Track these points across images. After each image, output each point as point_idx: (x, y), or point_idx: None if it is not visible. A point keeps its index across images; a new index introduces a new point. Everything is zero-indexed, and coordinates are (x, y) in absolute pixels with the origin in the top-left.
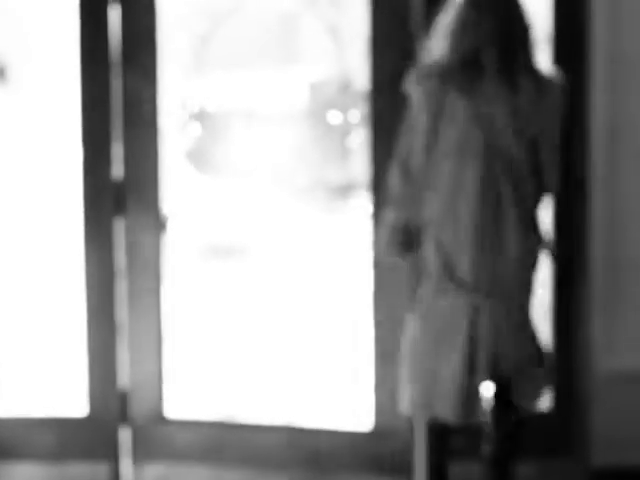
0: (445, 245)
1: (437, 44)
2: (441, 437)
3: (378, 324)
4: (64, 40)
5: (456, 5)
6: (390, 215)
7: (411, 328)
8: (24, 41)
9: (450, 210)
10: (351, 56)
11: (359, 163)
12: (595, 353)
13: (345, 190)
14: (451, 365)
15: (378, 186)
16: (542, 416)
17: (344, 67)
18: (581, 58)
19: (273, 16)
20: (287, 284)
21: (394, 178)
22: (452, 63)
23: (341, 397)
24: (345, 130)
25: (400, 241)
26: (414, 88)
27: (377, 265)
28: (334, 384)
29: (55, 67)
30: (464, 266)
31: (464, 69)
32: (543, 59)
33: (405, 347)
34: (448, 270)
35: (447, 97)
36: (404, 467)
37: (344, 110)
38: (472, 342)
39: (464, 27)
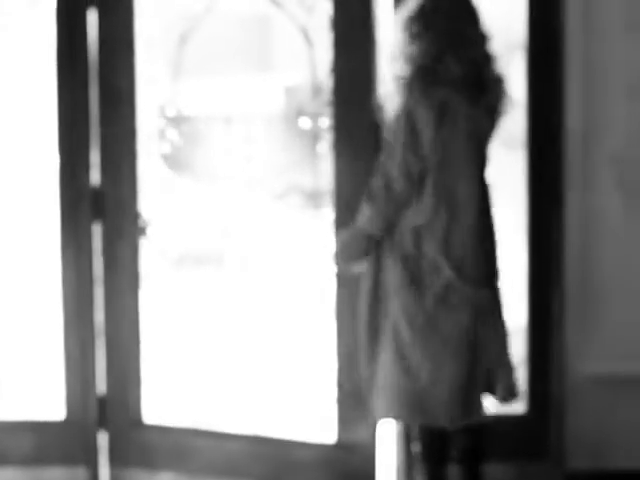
0: (454, 247)
1: (410, 48)
2: (442, 442)
3: (341, 335)
4: (42, 45)
5: (430, 7)
6: (365, 219)
7: (394, 336)
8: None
9: (456, 216)
10: (321, 60)
11: (327, 169)
12: (570, 358)
13: (317, 196)
14: (453, 369)
15: (339, 192)
16: (518, 419)
17: (316, 71)
18: (556, 65)
19: (246, 18)
20: (260, 292)
21: (380, 182)
22: (457, 73)
23: (308, 408)
24: (316, 136)
25: (364, 247)
26: (416, 97)
27: (339, 274)
28: (303, 394)
29: (33, 71)
30: (468, 266)
31: (471, 81)
32: (518, 67)
33: (389, 356)
34: (457, 270)
35: (453, 108)
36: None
37: (315, 115)
38: (474, 344)
39: (460, 38)
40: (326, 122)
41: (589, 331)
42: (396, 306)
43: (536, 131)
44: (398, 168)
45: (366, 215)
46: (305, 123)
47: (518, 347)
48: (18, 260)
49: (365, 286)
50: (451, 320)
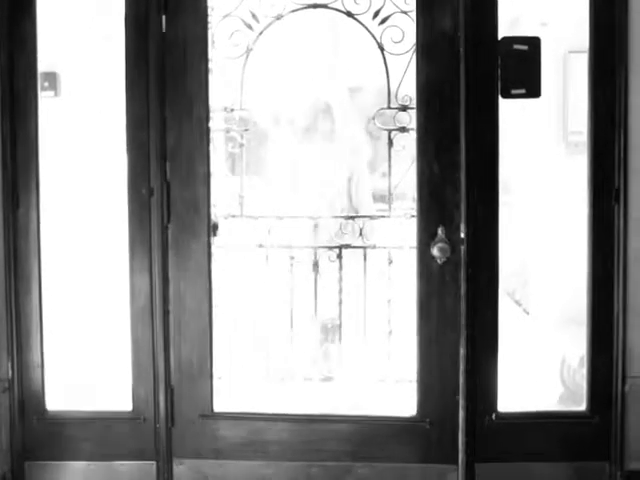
0: None
1: None
2: None
3: (421, 314)
4: (113, 51)
5: None
6: None
7: None
8: (75, 52)
9: None
10: (393, 67)
11: (400, 170)
12: (630, 359)
13: (389, 196)
14: None
15: (424, 193)
16: (578, 418)
17: (389, 77)
18: (619, 69)
19: (314, 24)
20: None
21: None
22: None
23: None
24: (387, 136)
25: None
26: None
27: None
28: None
29: (106, 76)
30: None
31: None
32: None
33: None
34: None
35: None
36: (453, 454)
37: (386, 117)
38: None
39: None
40: (397, 124)
41: None
42: None
43: (598, 134)
44: None
45: None
46: (376, 124)
47: (580, 346)
48: (91, 258)
49: None
50: None
